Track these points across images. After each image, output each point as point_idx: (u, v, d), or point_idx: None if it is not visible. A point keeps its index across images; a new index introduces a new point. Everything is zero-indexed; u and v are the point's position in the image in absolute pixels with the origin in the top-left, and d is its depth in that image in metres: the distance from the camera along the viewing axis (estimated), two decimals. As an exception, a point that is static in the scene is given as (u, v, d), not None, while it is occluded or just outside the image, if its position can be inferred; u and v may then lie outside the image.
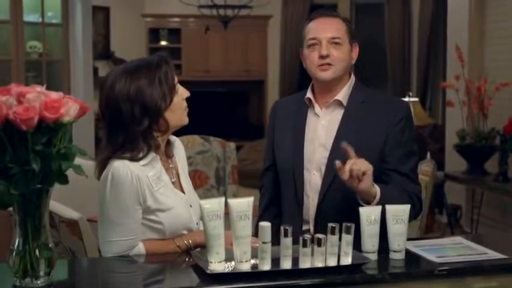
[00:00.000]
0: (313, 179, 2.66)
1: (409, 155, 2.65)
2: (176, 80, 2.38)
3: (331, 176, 2.60)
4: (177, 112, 2.38)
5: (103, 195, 2.29)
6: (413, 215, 2.61)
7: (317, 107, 2.72)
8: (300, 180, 2.66)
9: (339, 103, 2.69)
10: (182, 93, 2.39)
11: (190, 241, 2.36)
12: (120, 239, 2.29)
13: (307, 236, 2.06)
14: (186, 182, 2.52)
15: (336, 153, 2.58)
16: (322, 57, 2.62)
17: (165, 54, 2.42)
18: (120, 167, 2.28)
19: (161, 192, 2.35)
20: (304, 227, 2.67)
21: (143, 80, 2.30)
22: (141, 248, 2.32)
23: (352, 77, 2.75)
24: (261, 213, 2.83)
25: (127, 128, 2.30)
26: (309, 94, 2.73)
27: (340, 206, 2.51)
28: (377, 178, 2.58)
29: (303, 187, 2.67)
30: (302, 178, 2.66)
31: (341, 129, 2.65)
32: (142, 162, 2.32)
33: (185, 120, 2.42)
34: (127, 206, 2.28)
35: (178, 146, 2.57)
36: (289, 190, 2.70)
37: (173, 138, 2.53)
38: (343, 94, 2.69)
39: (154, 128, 2.34)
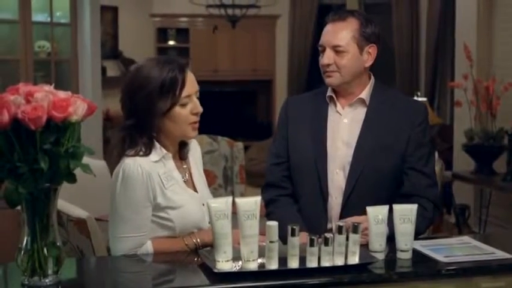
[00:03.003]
0: (336, 177, 2.67)
1: (429, 155, 2.71)
2: (188, 93, 2.35)
3: (356, 175, 2.63)
4: (179, 124, 2.36)
5: (114, 191, 2.30)
6: (427, 224, 2.62)
7: (339, 105, 2.73)
8: (324, 179, 2.66)
9: (362, 102, 2.72)
10: (192, 108, 2.37)
11: (198, 240, 2.37)
12: (129, 235, 2.29)
13: (314, 235, 2.07)
14: (200, 181, 2.52)
15: (361, 151, 2.63)
16: (324, 65, 2.67)
17: (185, 61, 2.42)
18: (131, 163, 2.29)
19: (172, 190, 2.36)
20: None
21: (150, 71, 2.33)
22: (149, 247, 2.32)
23: (372, 77, 2.77)
24: (267, 203, 2.76)
25: (126, 119, 2.38)
26: (330, 92, 2.75)
27: (366, 205, 2.49)
28: (398, 178, 2.60)
29: (327, 185, 2.66)
30: (326, 176, 2.66)
31: (364, 127, 2.68)
32: (153, 158, 2.34)
33: (189, 134, 2.41)
34: (136, 202, 2.29)
35: (195, 147, 2.58)
36: (311, 188, 2.69)
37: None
38: (365, 93, 2.72)
39: (145, 128, 2.35)
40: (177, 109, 2.34)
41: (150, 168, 2.31)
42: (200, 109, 2.39)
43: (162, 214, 2.35)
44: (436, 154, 5.02)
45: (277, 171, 2.79)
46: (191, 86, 2.36)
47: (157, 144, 2.36)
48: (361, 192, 2.60)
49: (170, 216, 2.35)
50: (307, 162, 2.69)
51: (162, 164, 2.36)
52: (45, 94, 1.83)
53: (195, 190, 2.47)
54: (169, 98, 2.32)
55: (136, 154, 2.32)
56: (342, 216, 2.61)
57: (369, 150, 2.64)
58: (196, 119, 2.40)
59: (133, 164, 2.29)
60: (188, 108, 2.36)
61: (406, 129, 2.67)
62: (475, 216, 6.27)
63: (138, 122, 2.34)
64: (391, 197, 2.55)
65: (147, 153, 2.33)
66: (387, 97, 2.75)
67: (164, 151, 2.37)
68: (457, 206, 6.21)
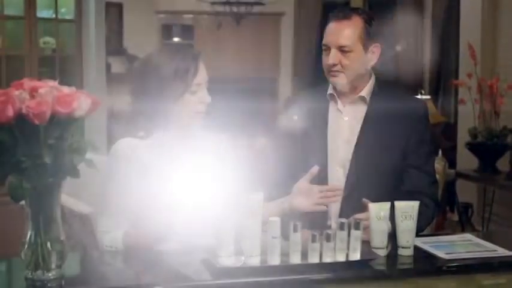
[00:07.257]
0: (336, 175, 2.67)
1: (429, 153, 2.72)
2: (199, 81, 2.40)
3: (356, 172, 2.63)
4: (186, 111, 2.39)
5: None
6: (428, 221, 2.64)
7: (340, 103, 2.73)
8: (324, 176, 2.66)
9: (363, 99, 2.72)
10: (200, 96, 2.41)
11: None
12: (110, 211, 2.36)
13: (316, 232, 2.07)
14: None
15: (361, 149, 2.63)
16: (329, 65, 2.65)
17: (198, 51, 2.47)
18: (122, 141, 2.38)
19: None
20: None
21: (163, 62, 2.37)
22: (118, 238, 2.34)
23: (373, 75, 2.77)
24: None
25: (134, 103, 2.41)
26: (331, 90, 2.75)
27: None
28: (398, 176, 2.61)
29: (327, 183, 2.66)
30: (326, 174, 2.67)
31: (365, 125, 2.68)
32: (150, 142, 2.38)
33: (193, 123, 2.43)
34: (119, 177, 2.34)
35: (215, 142, 2.56)
36: None
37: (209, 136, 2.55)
38: (366, 91, 2.72)
39: (153, 112, 2.37)
40: (187, 96, 2.37)
41: (141, 148, 2.36)
42: (208, 99, 2.42)
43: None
44: (440, 152, 5.03)
45: (280, 170, 2.80)
46: (202, 75, 2.41)
47: (158, 130, 2.39)
48: (361, 190, 2.59)
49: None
50: (307, 159, 2.69)
51: (160, 148, 2.39)
52: (49, 89, 1.84)
53: None
54: (181, 84, 2.35)
55: (133, 136, 2.38)
56: (341, 215, 2.61)
57: (369, 148, 2.64)
58: (203, 108, 2.42)
59: (124, 142, 2.37)
60: (197, 97, 2.39)
61: (406, 127, 2.67)
62: (478, 214, 6.27)
63: (147, 106, 2.37)
64: (391, 194, 2.53)
65: (144, 137, 2.38)
66: (388, 95, 2.74)
67: (163, 136, 2.39)
68: (461, 204, 6.21)
